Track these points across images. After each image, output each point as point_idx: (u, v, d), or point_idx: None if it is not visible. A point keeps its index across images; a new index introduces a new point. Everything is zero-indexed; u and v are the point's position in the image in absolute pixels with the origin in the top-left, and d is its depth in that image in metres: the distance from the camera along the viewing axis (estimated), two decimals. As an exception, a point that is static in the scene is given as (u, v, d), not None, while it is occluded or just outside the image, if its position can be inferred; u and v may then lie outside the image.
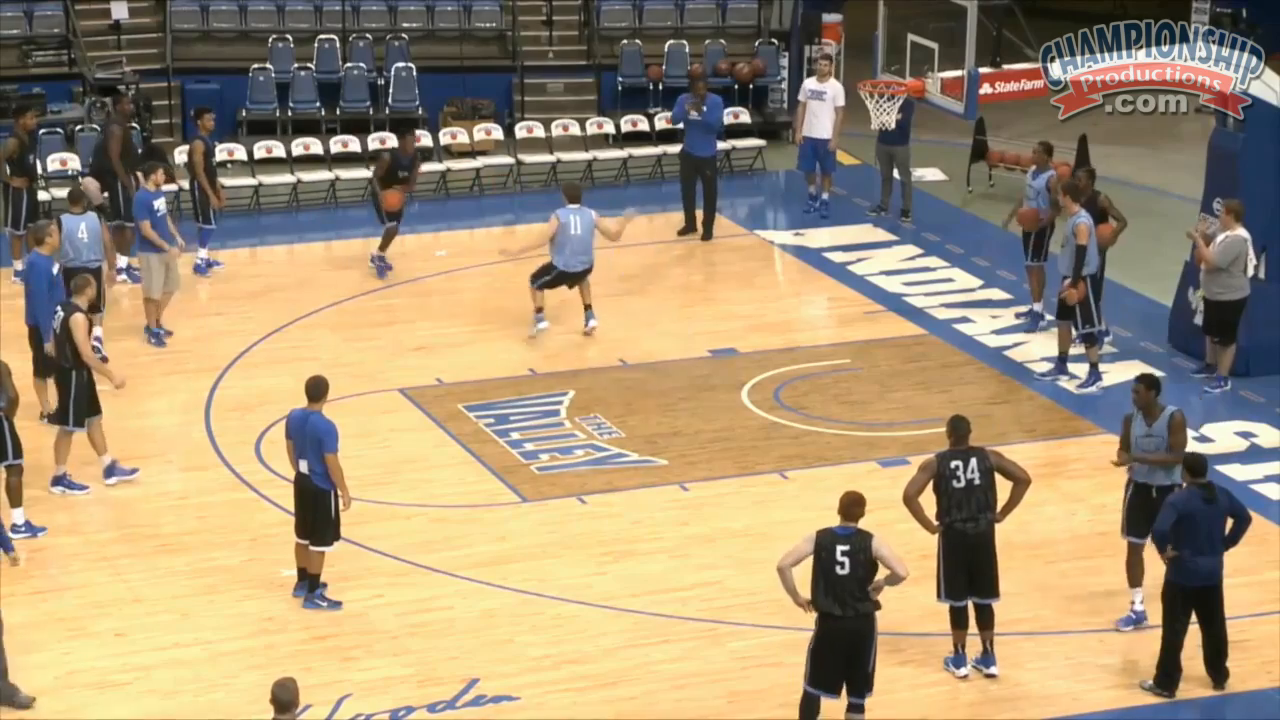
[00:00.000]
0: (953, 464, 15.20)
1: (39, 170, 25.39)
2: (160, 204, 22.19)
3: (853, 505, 14.28)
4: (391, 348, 22.27)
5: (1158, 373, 15.79)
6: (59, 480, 18.59)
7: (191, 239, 24.58)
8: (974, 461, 15.21)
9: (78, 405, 18.39)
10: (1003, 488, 15.34)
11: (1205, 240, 20.87)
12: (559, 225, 22.17)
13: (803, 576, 14.21)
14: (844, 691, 14.34)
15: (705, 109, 25.82)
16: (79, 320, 18.31)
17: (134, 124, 24.75)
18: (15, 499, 17.69)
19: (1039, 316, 22.66)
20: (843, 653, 14.20)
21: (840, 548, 14.08)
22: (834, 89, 26.64)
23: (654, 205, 27.73)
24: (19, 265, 22.96)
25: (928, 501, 15.29)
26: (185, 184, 25.26)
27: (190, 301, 23.66)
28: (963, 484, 15.16)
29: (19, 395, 17.77)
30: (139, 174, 23.14)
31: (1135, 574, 16.12)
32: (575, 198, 22.42)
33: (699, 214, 26.08)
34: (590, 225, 22.31)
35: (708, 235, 26.06)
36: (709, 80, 28.50)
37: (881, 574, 14.21)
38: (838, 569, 14.06)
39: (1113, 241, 21.54)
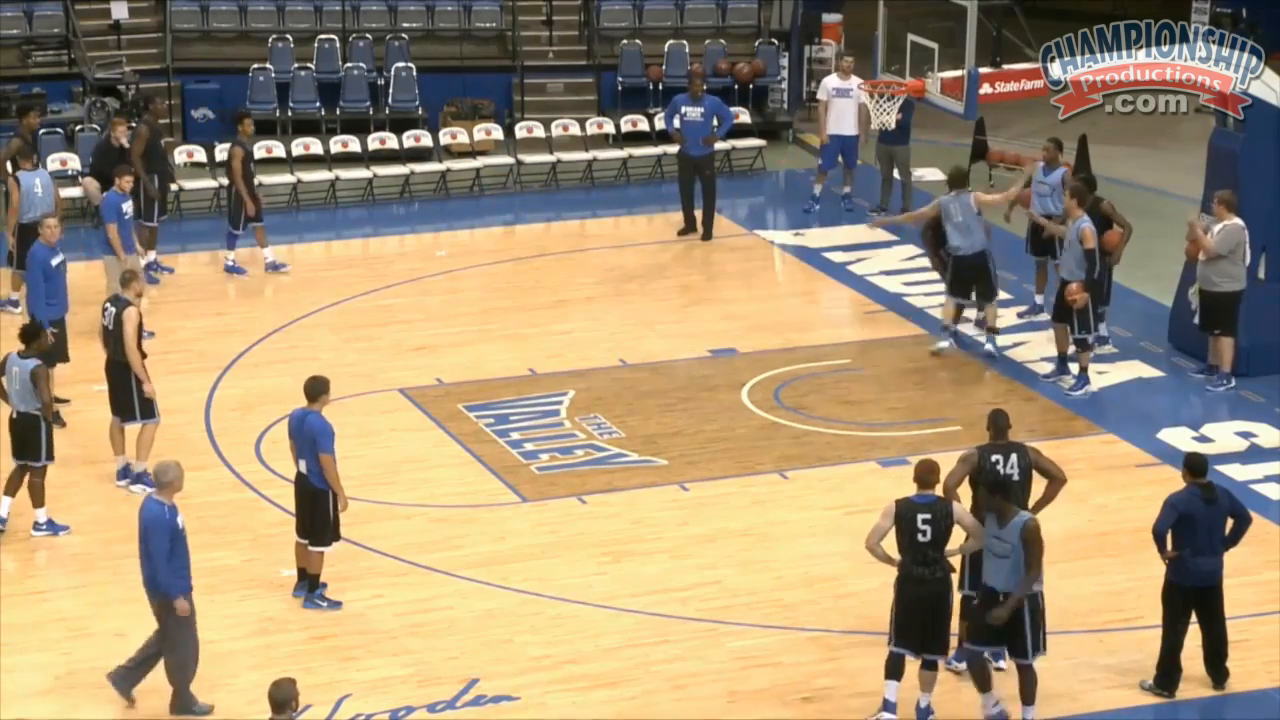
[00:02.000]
0: (993, 458, 15.21)
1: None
2: (128, 207, 22.18)
3: (928, 472, 14.49)
4: (391, 348, 22.26)
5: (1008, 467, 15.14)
6: (139, 478, 18.45)
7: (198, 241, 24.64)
8: (1014, 457, 15.24)
9: (143, 399, 18.45)
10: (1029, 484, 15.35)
11: (1203, 231, 20.84)
12: (940, 209, 21.76)
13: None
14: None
15: (715, 117, 25.94)
16: (131, 315, 18.29)
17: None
18: (38, 499, 17.69)
19: (1039, 308, 22.68)
20: (924, 614, 14.44)
21: (921, 515, 14.32)
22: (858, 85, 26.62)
23: (654, 205, 27.73)
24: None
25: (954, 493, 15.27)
26: (223, 181, 25.13)
27: (191, 302, 23.68)
28: (1001, 479, 15.17)
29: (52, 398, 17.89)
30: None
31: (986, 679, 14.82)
32: (958, 181, 21.84)
33: (698, 214, 26.10)
34: (971, 209, 21.64)
35: (707, 235, 26.06)
36: (708, 80, 28.53)
37: (956, 541, 14.47)
38: (919, 536, 14.30)
39: (1121, 248, 21.46)
